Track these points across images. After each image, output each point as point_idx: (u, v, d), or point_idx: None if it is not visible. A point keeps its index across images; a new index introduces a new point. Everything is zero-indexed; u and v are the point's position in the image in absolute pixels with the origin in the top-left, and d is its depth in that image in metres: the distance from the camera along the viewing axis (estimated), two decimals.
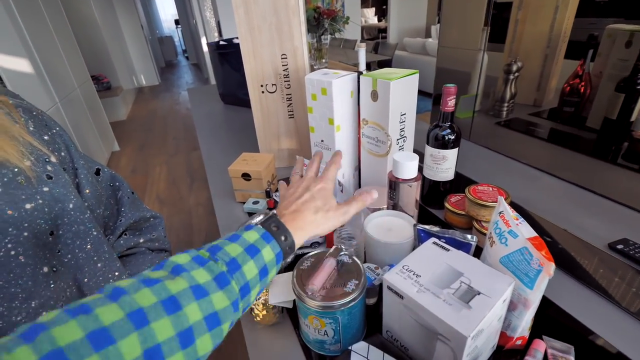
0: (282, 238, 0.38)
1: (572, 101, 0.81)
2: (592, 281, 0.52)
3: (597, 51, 0.73)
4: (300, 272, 0.43)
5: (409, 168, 0.51)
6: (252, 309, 0.48)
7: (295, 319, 0.47)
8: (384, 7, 7.42)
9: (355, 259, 0.44)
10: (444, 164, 0.64)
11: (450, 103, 0.62)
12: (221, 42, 1.53)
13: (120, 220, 0.55)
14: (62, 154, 0.46)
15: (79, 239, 0.44)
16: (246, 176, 0.75)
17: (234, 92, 1.56)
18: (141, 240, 0.57)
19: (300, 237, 0.40)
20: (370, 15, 7.88)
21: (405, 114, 0.64)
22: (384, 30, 6.95)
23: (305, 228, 0.40)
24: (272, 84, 0.87)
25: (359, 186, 0.76)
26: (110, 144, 3.39)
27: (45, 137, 0.45)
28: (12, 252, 0.37)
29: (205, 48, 5.02)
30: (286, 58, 0.84)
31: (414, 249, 0.46)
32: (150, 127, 4.13)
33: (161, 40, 9.41)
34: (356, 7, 5.52)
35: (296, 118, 0.89)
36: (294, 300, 0.46)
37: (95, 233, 0.46)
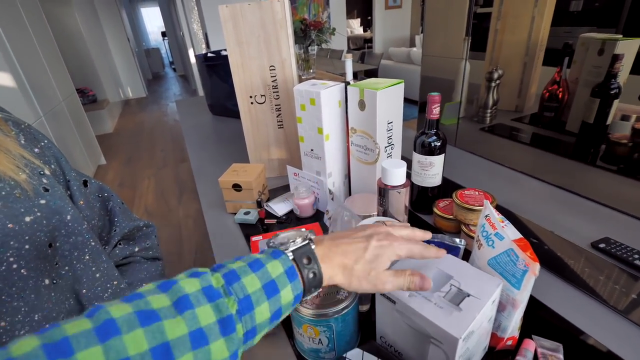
0: (310, 275, 0.32)
1: (551, 106, 0.84)
2: (577, 280, 0.53)
3: (573, 58, 0.77)
4: None
5: (397, 175, 0.52)
6: None
7: (290, 328, 0.47)
8: (369, 17, 7.59)
9: None
10: (431, 170, 0.66)
11: (435, 111, 0.64)
12: (209, 55, 1.53)
13: (115, 230, 0.55)
14: (53, 166, 0.46)
15: (77, 250, 0.44)
16: (237, 187, 0.75)
17: (223, 103, 1.56)
18: (136, 249, 0.56)
19: (328, 277, 0.34)
20: (356, 26, 8.04)
21: (392, 122, 0.66)
22: (369, 41, 7.09)
23: (335, 270, 0.34)
24: (261, 95, 0.88)
25: (349, 194, 0.77)
26: (97, 157, 3.33)
27: (36, 150, 0.45)
28: (14, 266, 0.37)
29: (193, 60, 5.02)
30: (274, 70, 0.85)
31: None
32: (138, 140, 4.08)
33: (148, 52, 9.36)
34: (342, 18, 5.64)
35: (285, 128, 0.90)
36: None
37: (93, 243, 0.46)
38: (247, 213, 0.74)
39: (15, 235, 0.37)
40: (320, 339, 0.42)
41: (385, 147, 0.66)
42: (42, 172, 0.42)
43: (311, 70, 2.13)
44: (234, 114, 1.53)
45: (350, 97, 0.67)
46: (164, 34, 10.18)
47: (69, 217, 0.43)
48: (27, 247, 0.38)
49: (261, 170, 0.79)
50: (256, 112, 0.89)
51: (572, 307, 0.49)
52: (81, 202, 0.48)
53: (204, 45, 4.07)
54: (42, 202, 0.41)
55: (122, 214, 0.56)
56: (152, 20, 10.79)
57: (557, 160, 0.83)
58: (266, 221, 0.73)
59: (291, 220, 0.73)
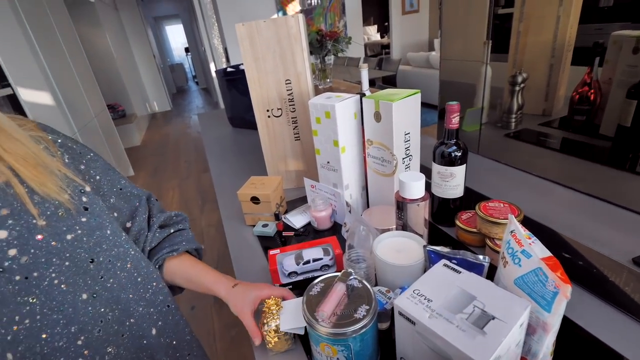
0: None
1: (582, 109, 0.80)
2: (618, 300, 0.49)
3: (604, 58, 0.72)
4: (310, 297, 0.42)
5: (415, 188, 0.50)
6: (264, 336, 0.48)
7: (308, 345, 0.46)
8: (386, 23, 7.57)
9: (365, 282, 0.43)
10: (452, 181, 0.63)
11: (454, 120, 0.62)
12: (228, 69, 1.57)
13: (153, 220, 0.58)
14: (98, 177, 0.49)
15: (120, 260, 0.46)
16: (255, 200, 0.76)
17: (242, 116, 1.59)
18: (171, 231, 0.59)
19: None
20: (372, 33, 8.04)
21: (409, 133, 0.64)
22: (387, 47, 7.05)
23: None
24: (278, 109, 0.88)
25: (367, 206, 0.75)
26: (125, 169, 3.48)
27: (82, 167, 0.48)
28: (55, 281, 0.39)
29: (214, 73, 5.18)
30: (290, 83, 0.85)
31: (425, 270, 0.45)
32: (163, 152, 4.23)
33: (172, 67, 9.77)
34: (358, 26, 5.65)
35: (302, 140, 0.90)
36: (306, 327, 0.45)
37: (132, 252, 0.48)
38: (265, 225, 0.74)
39: (57, 253, 0.40)
40: (338, 358, 0.41)
41: (403, 159, 0.65)
42: (82, 191, 0.45)
43: (328, 80, 2.14)
44: (253, 125, 1.54)
45: (365, 109, 0.66)
46: (187, 50, 10.58)
47: (108, 232, 0.46)
48: (67, 263, 0.40)
49: (278, 183, 0.79)
50: (273, 125, 0.90)
51: (612, 330, 0.45)
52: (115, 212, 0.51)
53: (224, 59, 4.19)
54: (83, 220, 0.43)
55: (156, 208, 0.60)
56: (176, 36, 11.26)
57: (590, 167, 0.78)
58: (284, 234, 0.73)
59: (309, 232, 0.72)
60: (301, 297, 0.49)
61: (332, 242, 0.59)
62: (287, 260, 0.58)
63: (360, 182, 0.74)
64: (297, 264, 0.56)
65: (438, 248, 0.44)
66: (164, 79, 6.93)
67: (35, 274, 0.38)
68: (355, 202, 0.73)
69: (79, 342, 0.40)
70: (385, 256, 0.47)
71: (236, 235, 0.78)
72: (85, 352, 0.41)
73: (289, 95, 0.87)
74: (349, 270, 0.44)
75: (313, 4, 3.98)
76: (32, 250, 0.38)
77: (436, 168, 0.64)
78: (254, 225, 0.78)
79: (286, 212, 0.82)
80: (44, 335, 0.38)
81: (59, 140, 0.47)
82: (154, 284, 0.50)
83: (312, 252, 0.57)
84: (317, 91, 1.79)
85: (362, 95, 0.84)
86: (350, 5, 5.43)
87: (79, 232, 0.42)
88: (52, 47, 2.44)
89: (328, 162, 0.72)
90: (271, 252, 0.60)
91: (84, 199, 0.45)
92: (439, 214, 0.69)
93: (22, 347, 0.37)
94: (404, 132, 0.64)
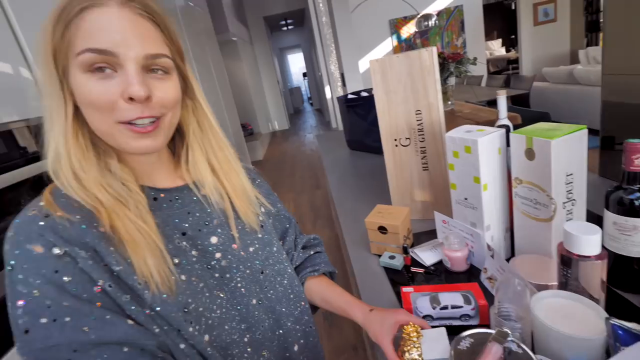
0: None
1: None
2: None
3: None
4: (459, 353, 0.40)
5: (589, 243, 0.43)
6: None
7: None
8: (513, 36, 6.83)
9: (526, 348, 0.38)
10: (636, 236, 0.52)
11: (637, 162, 0.51)
12: (349, 96, 1.66)
13: (297, 241, 0.65)
14: (270, 198, 0.60)
15: (280, 275, 0.54)
16: (382, 229, 0.77)
17: (361, 139, 1.65)
18: (312, 252, 0.66)
19: None
20: (496, 47, 7.35)
21: (572, 174, 0.56)
22: (514, 61, 6.35)
23: None
24: (406, 138, 0.89)
25: (512, 251, 0.68)
26: None
27: (255, 189, 0.58)
28: (239, 285, 0.48)
29: (328, 96, 5.56)
30: (420, 113, 0.85)
31: (607, 349, 0.38)
32: (281, 167, 4.71)
33: (291, 90, 10.98)
34: (479, 42, 5.26)
35: (431, 170, 0.88)
36: None
37: (290, 270, 0.56)
38: (392, 257, 0.74)
39: (243, 262, 0.49)
40: None
41: (564, 203, 0.56)
42: (261, 210, 0.55)
43: (449, 102, 2.05)
44: (372, 149, 1.59)
45: (513, 145, 0.60)
46: (304, 74, 11.69)
47: (275, 249, 0.54)
48: (247, 271, 0.49)
49: (406, 214, 0.79)
50: (400, 154, 0.91)
51: None
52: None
53: (339, 83, 4.46)
54: (260, 235, 0.52)
55: (299, 231, 0.67)
56: (296, 63, 12.62)
57: None
58: (412, 269, 0.71)
59: (440, 272, 0.69)
60: (441, 328, 0.49)
61: (473, 290, 0.54)
62: (421, 302, 0.56)
63: (503, 223, 0.67)
64: (433, 307, 0.54)
65: (628, 324, 0.36)
66: (284, 101, 7.80)
67: (227, 275, 0.48)
68: (497, 245, 0.67)
69: (246, 339, 0.47)
70: (550, 320, 0.41)
71: (361, 261, 0.80)
72: (249, 349, 0.47)
73: (418, 125, 0.86)
74: (505, 329, 0.40)
75: (430, 25, 3.89)
76: (229, 257, 0.48)
77: (612, 218, 0.54)
78: (379, 255, 0.79)
79: (413, 245, 0.80)
80: (226, 327, 0.46)
81: (247, 168, 0.59)
82: (302, 303, 0.55)
83: (451, 298, 0.54)
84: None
85: (506, 128, 0.77)
86: (470, 21, 5.13)
87: (257, 245, 0.51)
88: (208, 79, 3.02)
89: (465, 199, 0.68)
90: (404, 289, 0.60)
91: (261, 218, 0.54)
92: (618, 275, 0.56)
93: (215, 332, 0.44)
94: (566, 173, 0.56)
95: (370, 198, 1.09)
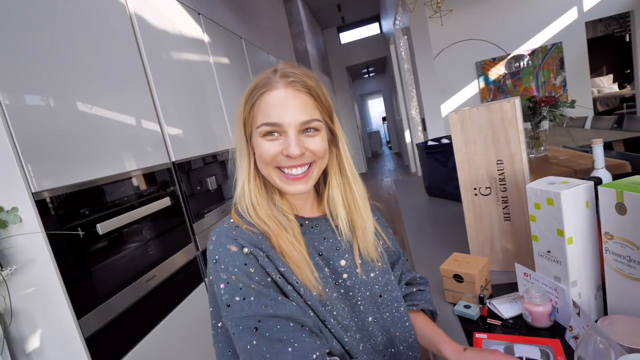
0: None
1: None
2: None
3: None
4: None
5: None
6: None
7: None
8: (628, 71, 6.02)
9: None
10: None
11: None
12: (430, 143, 1.71)
13: (402, 277, 0.72)
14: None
15: (396, 302, 0.63)
16: (458, 277, 0.78)
17: (441, 186, 1.65)
18: (414, 289, 0.71)
19: None
20: (606, 84, 6.52)
21: None
22: (629, 99, 5.54)
23: None
24: (487, 187, 0.90)
25: (604, 310, 0.63)
26: None
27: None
28: (359, 302, 0.59)
29: (407, 139, 5.59)
30: (502, 163, 0.86)
31: None
32: None
33: (370, 135, 11.24)
34: (584, 79, 4.77)
35: (513, 221, 0.87)
36: None
37: (404, 302, 0.64)
38: (467, 307, 0.74)
39: (364, 284, 0.60)
40: None
41: None
42: (380, 242, 0.66)
43: (542, 148, 1.91)
44: (452, 196, 1.58)
45: (602, 198, 0.59)
46: (384, 119, 11.95)
47: (392, 278, 0.64)
48: (367, 293, 0.60)
49: (484, 264, 0.79)
50: (480, 204, 0.91)
51: None
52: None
53: (419, 128, 4.47)
54: (379, 264, 0.63)
55: (406, 267, 0.74)
56: (375, 107, 13.04)
57: None
58: (489, 320, 0.70)
59: (520, 326, 0.66)
60: None
61: (553, 346, 0.53)
62: None
63: (594, 280, 0.63)
64: None
65: None
66: (362, 145, 8.04)
67: (350, 293, 0.58)
68: (586, 303, 0.63)
69: (360, 347, 0.57)
70: None
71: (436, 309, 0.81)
72: (364, 357, 0.56)
73: (500, 175, 0.87)
74: None
75: (521, 65, 3.68)
76: (353, 278, 0.59)
77: None
78: (454, 303, 0.79)
79: (491, 296, 0.79)
80: (349, 333, 0.56)
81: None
82: (414, 333, 0.62)
83: (527, 350, 0.54)
84: (530, 162, 1.64)
85: (597, 181, 0.75)
86: (572, 57, 4.72)
87: (377, 272, 0.61)
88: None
89: (548, 252, 0.66)
90: (477, 335, 0.61)
91: (379, 249, 0.64)
92: None
93: (349, 334, 0.55)
94: None
95: (448, 246, 1.09)
